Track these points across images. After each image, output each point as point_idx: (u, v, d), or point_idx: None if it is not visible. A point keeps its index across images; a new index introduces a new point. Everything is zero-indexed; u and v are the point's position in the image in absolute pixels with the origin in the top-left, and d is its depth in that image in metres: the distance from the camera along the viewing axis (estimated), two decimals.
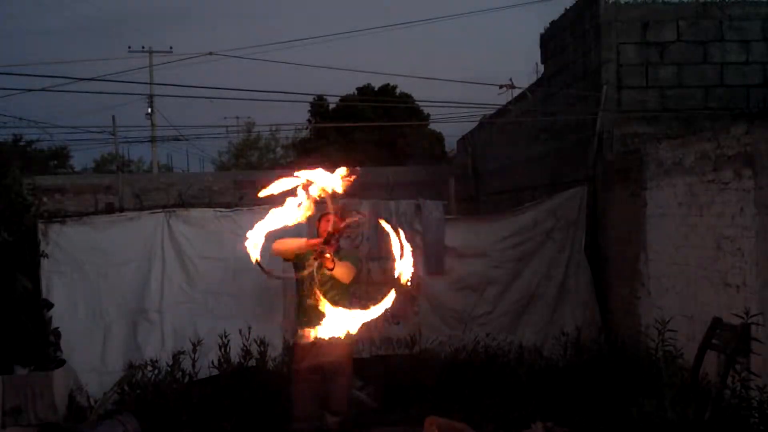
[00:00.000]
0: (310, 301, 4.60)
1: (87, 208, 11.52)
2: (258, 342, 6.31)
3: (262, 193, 3.99)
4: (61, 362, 5.98)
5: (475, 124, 13.93)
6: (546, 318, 7.08)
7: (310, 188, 3.98)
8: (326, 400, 4.73)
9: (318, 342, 4.60)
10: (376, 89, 28.62)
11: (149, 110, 27.04)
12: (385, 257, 6.94)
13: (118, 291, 6.52)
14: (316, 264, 4.55)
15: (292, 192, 3.99)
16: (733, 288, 4.94)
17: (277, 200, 4.03)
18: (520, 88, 9.38)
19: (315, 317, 4.56)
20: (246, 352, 6.30)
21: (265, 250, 4.16)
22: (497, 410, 5.71)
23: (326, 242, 4.49)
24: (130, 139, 21.07)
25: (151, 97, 25.30)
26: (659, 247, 6.10)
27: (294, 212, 3.95)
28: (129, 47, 27.29)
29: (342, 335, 4.61)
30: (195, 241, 6.75)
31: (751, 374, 4.56)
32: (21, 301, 5.94)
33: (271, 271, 4.40)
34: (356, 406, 5.83)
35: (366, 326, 6.82)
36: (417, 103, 24.07)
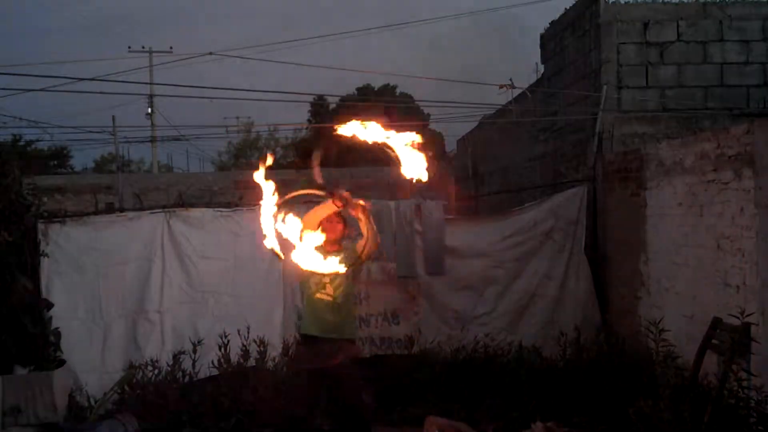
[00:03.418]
0: (318, 296, 4.56)
1: (87, 208, 11.49)
2: (257, 342, 6.31)
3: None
4: (61, 362, 5.98)
5: (475, 124, 13.93)
6: (546, 318, 7.09)
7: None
8: (340, 403, 4.69)
9: (323, 342, 4.55)
10: (376, 89, 28.63)
11: (149, 110, 27.04)
12: (385, 258, 6.97)
13: (118, 291, 6.52)
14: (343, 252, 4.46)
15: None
16: (733, 288, 4.94)
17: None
18: (520, 88, 9.39)
19: (325, 314, 4.52)
20: (245, 352, 6.30)
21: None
22: (497, 410, 5.71)
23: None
24: (130, 139, 21.04)
25: (151, 97, 25.28)
26: (659, 247, 6.10)
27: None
28: (129, 47, 27.22)
29: (349, 337, 4.62)
30: (195, 241, 6.75)
31: (750, 374, 4.56)
32: (21, 301, 5.94)
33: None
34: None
35: (366, 326, 6.91)
36: (417, 103, 24.07)
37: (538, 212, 7.26)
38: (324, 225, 4.62)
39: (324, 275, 4.47)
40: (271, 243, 3.87)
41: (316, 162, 4.30)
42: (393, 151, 3.77)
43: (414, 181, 3.81)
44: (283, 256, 4.03)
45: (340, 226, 4.65)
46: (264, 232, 3.87)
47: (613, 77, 7.25)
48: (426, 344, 6.82)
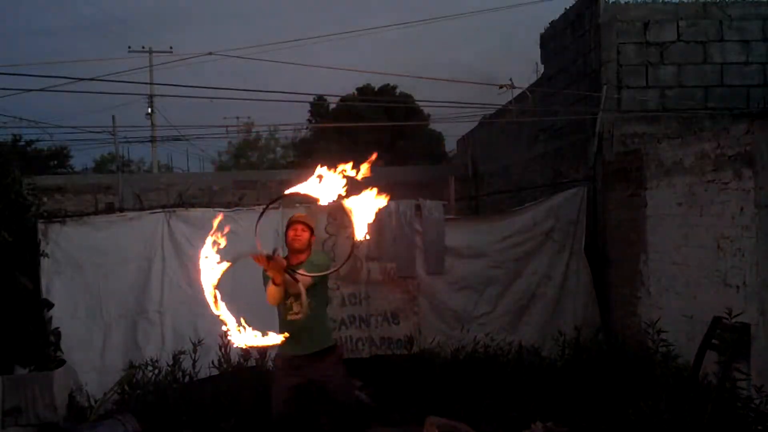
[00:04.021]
0: (288, 317, 4.52)
1: (87, 208, 11.51)
2: None
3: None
4: (61, 362, 5.99)
5: (475, 124, 13.93)
6: (546, 318, 7.08)
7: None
8: (329, 408, 4.69)
9: (305, 360, 4.51)
10: (376, 89, 28.63)
11: (149, 110, 27.05)
12: (385, 258, 6.97)
13: (118, 291, 6.53)
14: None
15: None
16: (733, 288, 4.94)
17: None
18: (520, 88, 9.38)
19: (295, 333, 4.47)
20: (246, 352, 6.30)
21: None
22: (497, 410, 5.71)
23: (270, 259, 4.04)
24: (130, 139, 21.03)
25: (151, 97, 25.31)
26: (659, 247, 6.11)
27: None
28: (129, 47, 27.24)
29: (329, 345, 4.57)
30: (195, 241, 6.74)
31: (750, 375, 4.56)
32: (21, 301, 5.94)
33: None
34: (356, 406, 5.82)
35: (366, 326, 6.90)
36: (417, 103, 24.08)
37: (538, 212, 7.25)
38: (290, 235, 4.62)
39: (288, 296, 4.42)
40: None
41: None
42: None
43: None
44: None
45: (306, 234, 4.64)
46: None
47: (613, 77, 7.24)
48: (426, 344, 6.82)
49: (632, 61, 7.27)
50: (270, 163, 36.24)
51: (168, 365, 6.16)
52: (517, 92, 9.94)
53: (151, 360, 6.16)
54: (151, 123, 26.50)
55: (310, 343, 4.48)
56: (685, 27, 7.28)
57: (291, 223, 4.67)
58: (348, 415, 4.57)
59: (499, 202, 11.35)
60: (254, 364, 6.29)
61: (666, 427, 4.42)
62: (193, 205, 7.47)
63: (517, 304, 7.12)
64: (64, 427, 5.38)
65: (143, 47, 27.36)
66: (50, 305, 6.17)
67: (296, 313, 4.45)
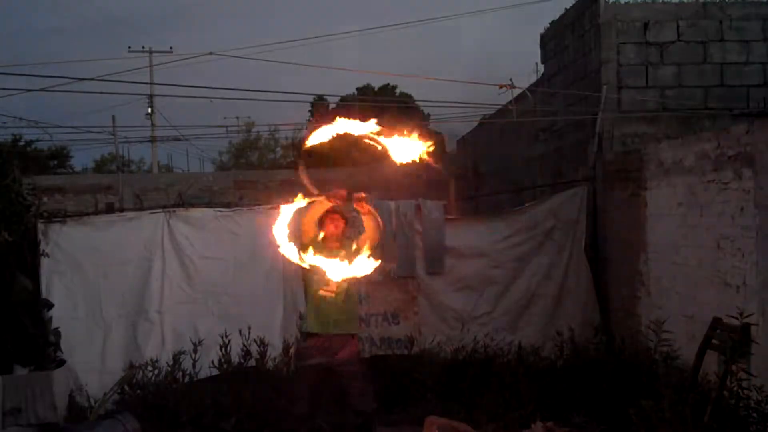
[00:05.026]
0: (321, 293, 4.59)
1: (87, 208, 11.52)
2: (258, 342, 6.31)
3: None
4: (61, 362, 5.98)
5: (475, 124, 13.93)
6: (546, 318, 7.08)
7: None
8: (347, 401, 4.74)
9: (327, 340, 4.58)
10: (376, 89, 28.63)
11: (149, 110, 27.07)
12: (385, 258, 6.96)
13: (118, 291, 6.52)
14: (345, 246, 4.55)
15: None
16: (733, 288, 4.94)
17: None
18: (520, 88, 9.38)
19: (328, 310, 4.56)
20: (246, 352, 6.30)
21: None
22: (497, 410, 5.70)
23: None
24: (130, 139, 21.04)
25: (151, 97, 25.31)
26: (659, 247, 6.10)
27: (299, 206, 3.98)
28: (129, 47, 27.35)
29: (352, 332, 4.66)
30: (195, 241, 6.75)
31: (750, 375, 4.56)
32: (21, 301, 5.93)
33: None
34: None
35: (366, 326, 6.90)
36: (417, 103, 24.06)
37: (538, 212, 7.25)
38: (326, 221, 4.67)
39: (327, 272, 4.51)
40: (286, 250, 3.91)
41: (303, 173, 4.34)
42: (382, 143, 3.83)
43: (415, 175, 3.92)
44: (297, 260, 4.06)
45: (341, 223, 4.72)
46: (278, 239, 3.90)
47: (613, 77, 7.25)
48: (426, 344, 6.82)
49: (632, 61, 7.28)
50: (270, 163, 36.21)
51: (168, 365, 6.16)
52: (517, 92, 9.94)
53: (151, 360, 6.16)
54: (151, 123, 26.53)
55: (335, 323, 4.54)
56: (685, 27, 7.28)
57: (327, 214, 4.70)
58: (356, 416, 4.60)
59: (499, 202, 11.35)
60: (254, 364, 6.29)
61: (667, 427, 4.42)
62: (193, 205, 7.47)
63: (517, 304, 7.11)
64: (64, 427, 5.38)
65: (143, 47, 27.43)
66: (50, 305, 6.16)
67: (331, 291, 4.52)
